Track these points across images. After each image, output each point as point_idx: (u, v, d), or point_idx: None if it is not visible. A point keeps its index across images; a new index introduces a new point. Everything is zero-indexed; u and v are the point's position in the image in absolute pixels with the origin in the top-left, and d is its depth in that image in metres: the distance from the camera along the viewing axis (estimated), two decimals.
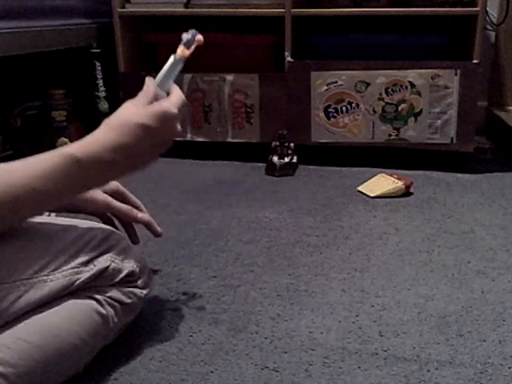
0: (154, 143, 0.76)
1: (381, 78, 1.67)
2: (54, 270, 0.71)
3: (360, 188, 1.54)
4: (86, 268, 0.74)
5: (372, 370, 0.79)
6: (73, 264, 0.73)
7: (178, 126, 0.78)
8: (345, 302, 0.97)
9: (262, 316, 0.93)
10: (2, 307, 0.67)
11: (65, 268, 0.72)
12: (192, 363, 0.81)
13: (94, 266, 0.75)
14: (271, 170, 1.69)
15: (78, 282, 0.73)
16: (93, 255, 0.76)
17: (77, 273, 0.73)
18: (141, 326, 0.90)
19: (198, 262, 1.13)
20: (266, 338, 0.87)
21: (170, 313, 0.94)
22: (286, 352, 0.83)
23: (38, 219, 0.77)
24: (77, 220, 0.81)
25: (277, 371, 0.79)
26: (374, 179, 1.57)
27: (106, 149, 0.70)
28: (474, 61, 1.62)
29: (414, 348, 0.84)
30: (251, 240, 1.23)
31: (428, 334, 0.87)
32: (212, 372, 0.79)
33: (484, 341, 0.86)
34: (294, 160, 1.71)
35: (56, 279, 0.71)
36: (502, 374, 0.78)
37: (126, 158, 0.73)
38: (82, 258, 0.74)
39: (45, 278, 0.70)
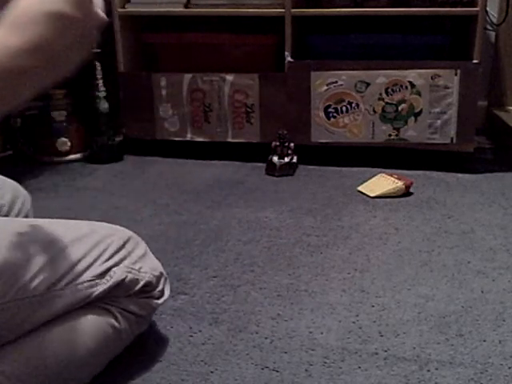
0: (76, 34, 0.57)
1: (381, 78, 1.67)
2: (68, 284, 0.69)
3: (360, 188, 1.54)
4: (103, 280, 0.72)
5: (372, 369, 0.79)
6: (88, 276, 0.71)
7: (99, 10, 0.62)
8: (345, 302, 0.97)
9: (262, 316, 0.93)
10: (15, 323, 0.66)
11: (80, 281, 0.70)
12: (192, 363, 0.81)
13: (111, 277, 0.72)
14: (271, 170, 1.69)
15: (93, 295, 0.71)
16: (109, 265, 0.73)
17: (92, 286, 0.71)
18: None
19: (198, 262, 1.13)
20: (266, 338, 0.87)
21: (170, 313, 0.94)
22: (286, 352, 0.83)
23: (51, 222, 0.75)
24: (93, 223, 0.78)
25: (277, 371, 0.79)
26: (374, 179, 1.57)
27: (12, 55, 0.51)
28: (474, 61, 1.62)
29: (414, 348, 0.84)
30: (251, 240, 1.23)
31: (428, 334, 0.87)
32: (212, 372, 0.79)
33: (484, 341, 0.86)
34: (294, 160, 1.71)
35: (71, 293, 0.69)
36: (502, 374, 0.78)
37: (45, 62, 0.55)
38: (98, 269, 0.72)
39: (59, 292, 0.68)
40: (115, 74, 1.85)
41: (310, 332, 0.89)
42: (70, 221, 0.78)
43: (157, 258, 1.13)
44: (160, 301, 0.81)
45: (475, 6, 1.61)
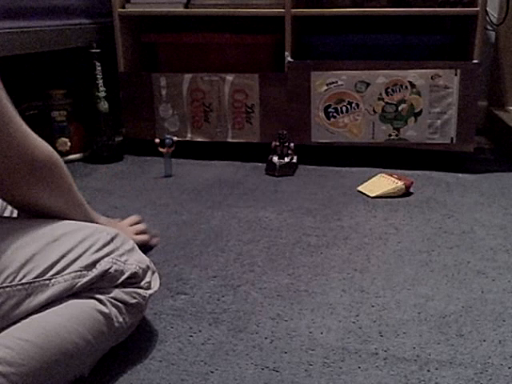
0: None
1: (381, 77, 1.67)
2: (56, 274, 0.71)
3: (360, 188, 1.54)
4: (89, 272, 0.74)
5: (372, 369, 0.79)
6: (75, 267, 0.73)
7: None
8: (345, 302, 0.97)
9: (262, 316, 0.93)
10: (4, 311, 0.67)
11: (67, 271, 0.72)
12: (192, 363, 0.81)
13: (96, 269, 0.75)
14: (271, 170, 1.69)
15: (79, 284, 0.73)
16: (95, 258, 0.75)
17: (79, 276, 0.73)
18: (141, 326, 0.90)
19: (198, 262, 1.13)
20: (266, 338, 0.87)
21: (170, 313, 0.94)
22: (286, 352, 0.83)
23: (40, 220, 0.77)
24: (81, 223, 0.80)
25: (277, 371, 0.79)
26: (374, 179, 1.57)
27: None
28: (474, 61, 1.62)
29: (414, 348, 0.84)
30: (251, 240, 1.23)
31: (428, 334, 0.87)
32: (212, 372, 0.79)
33: (484, 341, 0.86)
34: (294, 160, 1.71)
35: (58, 283, 0.71)
36: (502, 374, 0.78)
37: None
38: (85, 261, 0.74)
39: (47, 281, 0.70)
40: (115, 73, 1.85)
41: (310, 332, 0.89)
42: (58, 219, 0.80)
43: (157, 257, 1.14)
44: (149, 291, 0.82)
45: (475, 6, 1.61)
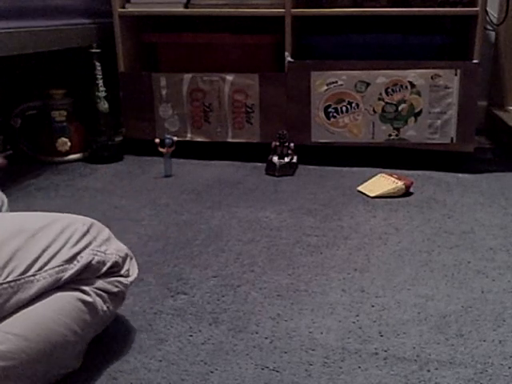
0: None
1: (381, 77, 1.67)
2: (39, 270, 0.72)
3: (360, 188, 1.54)
4: (71, 265, 0.75)
5: (372, 369, 0.79)
6: (57, 261, 0.74)
7: None
8: (345, 302, 0.97)
9: (262, 316, 0.93)
10: None
11: (49, 266, 0.73)
12: (192, 363, 0.81)
13: (78, 261, 0.76)
14: (271, 170, 1.69)
15: (63, 278, 0.74)
16: (76, 251, 0.76)
17: (62, 270, 0.74)
18: (141, 326, 0.90)
19: (198, 262, 1.13)
20: (266, 338, 0.87)
21: (170, 313, 0.94)
22: (286, 352, 0.83)
23: (16, 214, 0.79)
24: (55, 214, 0.81)
25: (277, 371, 0.79)
26: (373, 179, 1.57)
27: None
28: (474, 61, 1.62)
29: (414, 348, 0.84)
30: (251, 240, 1.23)
31: (428, 334, 0.87)
32: (212, 372, 0.79)
33: (484, 341, 0.86)
34: (294, 160, 1.71)
35: (42, 279, 0.72)
36: (502, 374, 0.78)
37: None
38: (66, 255, 0.75)
39: (31, 278, 0.71)
40: (115, 73, 1.85)
41: (310, 332, 0.89)
42: (32, 212, 0.81)
43: (157, 257, 1.14)
44: (129, 279, 0.84)
45: (475, 6, 1.61)
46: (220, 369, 0.80)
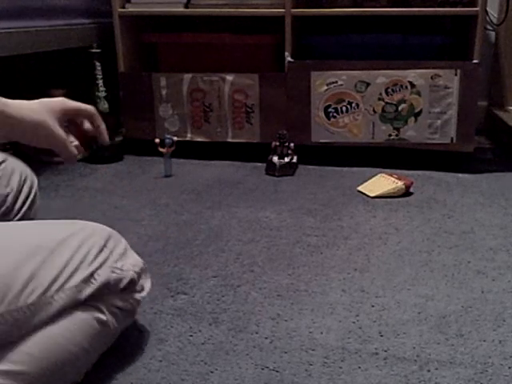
0: None
1: (381, 77, 1.67)
2: (57, 291, 0.70)
3: (360, 188, 1.54)
4: (88, 283, 0.73)
5: (372, 369, 0.79)
6: (76, 281, 0.72)
7: None
8: (345, 302, 0.97)
9: (262, 316, 0.93)
10: (12, 332, 0.66)
11: (67, 287, 0.71)
12: (192, 363, 0.81)
13: (95, 279, 0.74)
14: (271, 170, 1.69)
15: (80, 298, 0.72)
16: (92, 269, 0.74)
17: (79, 290, 0.72)
18: (141, 326, 0.90)
19: (198, 262, 1.13)
20: (266, 338, 0.87)
21: (170, 313, 0.94)
22: (286, 352, 0.83)
23: (33, 225, 0.77)
24: (73, 223, 0.79)
25: (277, 371, 0.79)
26: (373, 179, 1.57)
27: None
28: (474, 61, 1.62)
29: (414, 348, 0.84)
30: (251, 240, 1.23)
31: (428, 334, 0.87)
32: (212, 372, 0.79)
33: (484, 341, 0.86)
34: (294, 160, 1.71)
35: (60, 299, 0.70)
36: (502, 374, 0.78)
37: None
38: (83, 273, 0.73)
39: (50, 299, 0.69)
40: (115, 73, 1.85)
41: (310, 332, 0.89)
42: (49, 222, 0.79)
43: (157, 257, 1.14)
44: (142, 294, 0.82)
45: (475, 6, 1.61)
46: (220, 369, 0.80)
